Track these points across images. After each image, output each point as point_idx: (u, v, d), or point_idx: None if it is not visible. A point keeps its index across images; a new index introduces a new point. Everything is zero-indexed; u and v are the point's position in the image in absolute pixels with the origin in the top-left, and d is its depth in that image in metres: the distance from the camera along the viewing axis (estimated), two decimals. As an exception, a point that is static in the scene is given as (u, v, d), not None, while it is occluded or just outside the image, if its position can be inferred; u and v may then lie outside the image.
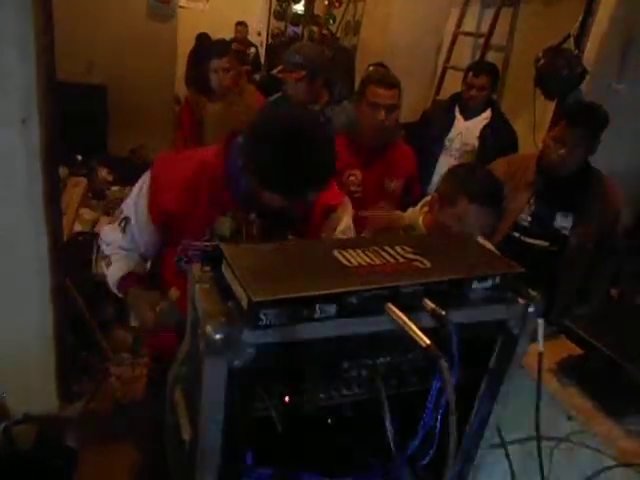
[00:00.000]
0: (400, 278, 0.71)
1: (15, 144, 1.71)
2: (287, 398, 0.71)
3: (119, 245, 1.35)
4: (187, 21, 5.90)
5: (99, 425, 2.14)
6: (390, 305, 0.67)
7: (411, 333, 0.63)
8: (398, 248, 0.79)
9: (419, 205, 1.75)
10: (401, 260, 0.76)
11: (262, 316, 0.60)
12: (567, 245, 2.08)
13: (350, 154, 2.23)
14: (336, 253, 0.74)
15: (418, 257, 0.77)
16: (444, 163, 2.84)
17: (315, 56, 2.44)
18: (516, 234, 2.14)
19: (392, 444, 0.77)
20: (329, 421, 0.76)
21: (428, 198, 1.72)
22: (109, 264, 1.36)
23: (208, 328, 0.60)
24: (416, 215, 1.70)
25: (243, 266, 0.66)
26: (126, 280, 1.33)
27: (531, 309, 0.79)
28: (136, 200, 1.31)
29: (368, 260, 0.74)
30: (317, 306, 0.64)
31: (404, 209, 1.84)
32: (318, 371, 0.71)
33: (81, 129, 4.00)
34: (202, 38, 5.73)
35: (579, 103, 2.46)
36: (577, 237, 2.06)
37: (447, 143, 2.88)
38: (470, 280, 0.74)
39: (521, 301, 0.78)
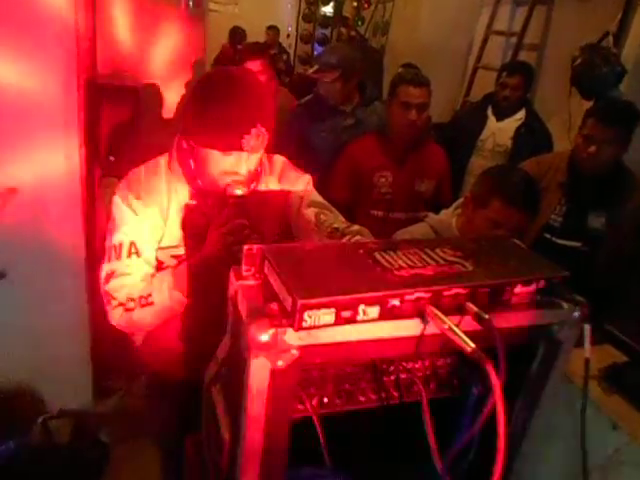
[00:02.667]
0: (442, 281, 0.70)
1: (56, 146, 1.77)
2: (327, 399, 0.71)
3: (143, 275, 1.23)
4: (217, 24, 5.97)
5: (132, 421, 2.18)
6: (433, 308, 0.66)
7: (455, 337, 0.62)
8: (439, 251, 0.78)
9: (452, 207, 1.73)
10: (442, 263, 0.75)
11: (306, 317, 0.60)
12: (601, 246, 2.03)
13: (381, 155, 2.23)
14: (377, 255, 0.73)
15: (460, 260, 0.76)
16: (476, 164, 2.81)
17: (350, 57, 2.44)
18: (547, 235, 2.10)
19: (432, 449, 0.76)
20: (369, 424, 0.75)
21: (462, 200, 1.70)
22: (147, 299, 1.20)
23: (252, 329, 0.60)
24: (449, 217, 1.68)
25: (286, 267, 0.66)
26: (177, 269, 1.21)
27: (576, 314, 0.77)
28: (123, 224, 1.22)
29: (409, 263, 0.73)
30: (360, 308, 0.63)
31: (436, 211, 1.83)
32: (359, 374, 0.70)
33: (112, 130, 4.07)
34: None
35: (609, 100, 2.39)
36: (611, 237, 2.01)
37: (479, 144, 2.84)
38: (514, 284, 0.73)
39: (566, 306, 0.76)
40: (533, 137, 2.68)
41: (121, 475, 2.03)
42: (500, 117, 2.82)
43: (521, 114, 2.79)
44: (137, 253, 1.21)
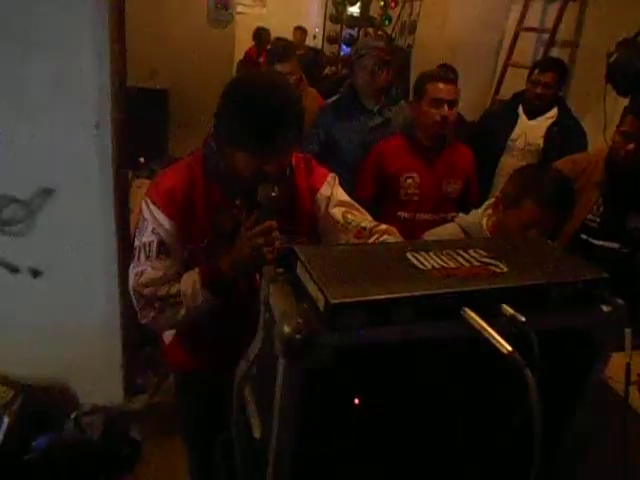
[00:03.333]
0: (476, 282, 0.69)
1: (90, 147, 1.81)
2: (361, 401, 0.70)
3: (172, 274, 1.23)
4: (245, 26, 6.03)
5: (162, 418, 2.21)
6: (467, 310, 0.65)
7: (491, 339, 0.61)
8: (472, 251, 0.77)
9: (483, 207, 1.70)
10: (476, 264, 0.74)
11: (339, 318, 0.60)
12: None
13: (408, 156, 2.20)
14: (409, 256, 0.73)
15: (494, 261, 0.75)
16: (506, 164, 2.75)
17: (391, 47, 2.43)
18: (583, 236, 2.04)
19: (466, 451, 0.75)
20: (403, 426, 0.74)
21: (492, 200, 1.67)
22: (176, 298, 1.20)
23: (286, 329, 0.60)
24: (479, 217, 1.65)
25: (318, 267, 0.66)
26: (205, 268, 1.21)
27: (615, 317, 0.74)
28: (155, 223, 1.22)
29: (442, 263, 0.72)
30: (393, 309, 0.63)
31: (463, 211, 1.80)
32: (393, 377, 0.70)
33: (143, 132, 4.15)
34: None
35: None
36: None
37: (509, 143, 2.78)
38: (550, 286, 0.71)
39: (605, 308, 0.74)
40: (566, 136, 2.61)
41: (151, 471, 2.07)
42: (531, 116, 2.75)
43: (553, 112, 2.72)
44: (166, 252, 1.22)
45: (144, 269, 1.22)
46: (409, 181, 2.19)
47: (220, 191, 1.27)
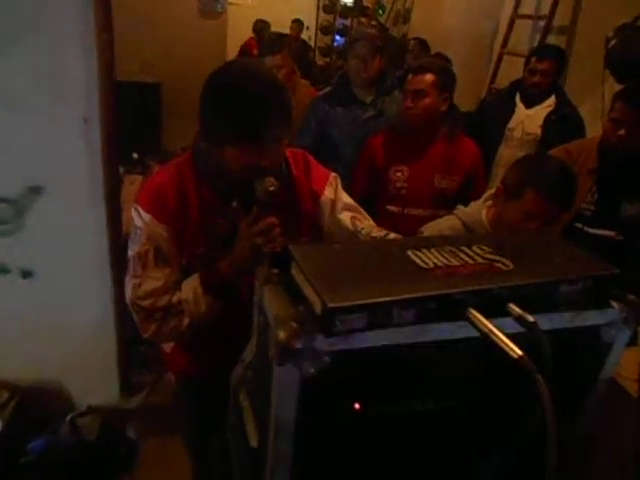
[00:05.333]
0: (482, 281, 0.65)
1: (78, 143, 1.76)
2: (360, 406, 0.67)
3: (172, 283, 1.18)
4: (236, 17, 5.94)
5: (158, 418, 2.18)
6: (473, 311, 0.61)
7: (500, 343, 0.57)
8: (476, 248, 0.73)
9: (482, 198, 1.67)
10: (480, 261, 0.70)
11: (337, 322, 0.56)
12: (636, 234, 1.94)
13: (397, 148, 2.16)
14: (410, 254, 0.69)
15: (499, 257, 0.71)
16: (504, 154, 2.72)
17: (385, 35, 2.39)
18: (578, 225, 2.02)
19: (472, 456, 0.71)
20: (404, 431, 0.71)
21: (492, 191, 1.63)
22: (178, 307, 1.16)
23: (280, 334, 0.57)
24: (479, 209, 1.62)
25: (314, 268, 0.62)
26: (205, 273, 1.17)
27: (627, 314, 0.71)
28: (149, 231, 1.17)
29: (445, 261, 0.69)
30: (394, 312, 0.59)
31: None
32: (394, 379, 0.66)
33: (136, 127, 4.09)
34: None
35: (638, 81, 2.28)
36: None
37: (507, 133, 2.74)
38: (559, 283, 0.67)
39: (616, 306, 0.71)
40: (564, 124, 2.58)
41: (148, 471, 2.04)
42: (529, 104, 2.71)
43: (551, 101, 2.68)
44: (164, 260, 1.17)
45: (142, 280, 1.16)
46: (398, 174, 2.14)
47: (213, 193, 1.20)
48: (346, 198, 1.34)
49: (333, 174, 1.35)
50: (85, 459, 1.98)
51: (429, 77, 2.04)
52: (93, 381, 2.18)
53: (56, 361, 2.08)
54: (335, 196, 1.31)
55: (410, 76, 2.10)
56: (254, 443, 0.73)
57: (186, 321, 1.16)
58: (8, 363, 2.04)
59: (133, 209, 1.19)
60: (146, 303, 1.16)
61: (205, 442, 1.60)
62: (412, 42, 4.40)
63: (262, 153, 1.09)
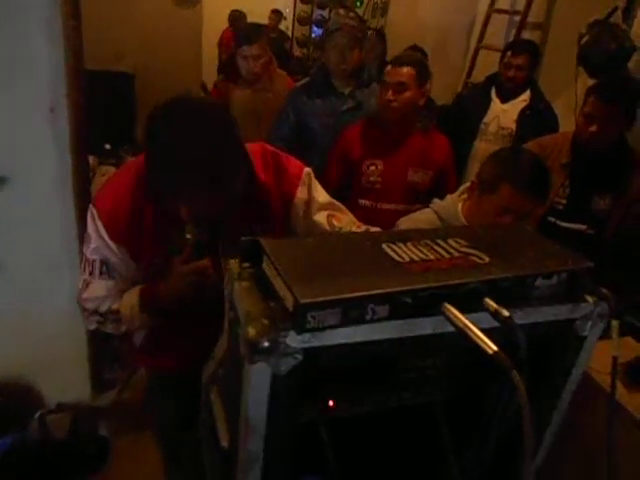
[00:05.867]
0: (457, 275, 0.64)
1: (45, 132, 1.70)
2: (334, 404, 0.65)
3: (115, 292, 1.20)
4: (212, 7, 5.84)
5: (131, 414, 2.14)
6: (448, 306, 0.60)
7: (475, 338, 0.56)
8: (452, 241, 0.72)
9: (458, 192, 1.66)
10: (456, 255, 0.69)
11: (309, 319, 0.55)
12: (606, 228, 1.97)
13: (371, 142, 2.14)
14: (385, 247, 0.68)
15: (474, 251, 0.70)
16: (479, 148, 2.73)
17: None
18: (551, 218, 2.04)
19: (447, 451, 0.71)
20: (378, 428, 0.70)
21: (467, 184, 1.63)
22: (116, 315, 1.21)
23: (251, 331, 0.55)
24: (455, 202, 1.62)
25: (286, 263, 0.60)
26: (145, 292, 1.19)
27: (601, 308, 0.71)
28: (100, 242, 1.15)
29: (421, 255, 0.67)
30: (369, 307, 0.58)
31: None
32: (368, 376, 0.65)
33: (109, 117, 3.99)
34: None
35: (610, 77, 2.32)
36: (616, 219, 1.96)
37: (482, 127, 2.75)
38: (535, 277, 0.67)
39: (590, 299, 0.71)
40: (538, 119, 2.60)
41: (120, 469, 2.00)
42: (504, 99, 2.73)
43: (526, 95, 2.70)
44: (108, 273, 1.19)
45: (89, 282, 1.20)
46: (372, 168, 2.12)
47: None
48: (321, 196, 1.29)
49: (306, 170, 1.28)
50: (55, 457, 1.93)
51: (409, 70, 2.03)
52: (64, 377, 2.13)
53: (24, 356, 2.02)
54: (309, 196, 1.26)
55: (389, 68, 2.07)
56: (225, 443, 0.71)
57: (123, 328, 1.23)
58: (-26, 359, 1.97)
59: (89, 211, 1.16)
60: (89, 305, 1.21)
61: (178, 440, 1.58)
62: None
63: (179, 207, 1.04)
